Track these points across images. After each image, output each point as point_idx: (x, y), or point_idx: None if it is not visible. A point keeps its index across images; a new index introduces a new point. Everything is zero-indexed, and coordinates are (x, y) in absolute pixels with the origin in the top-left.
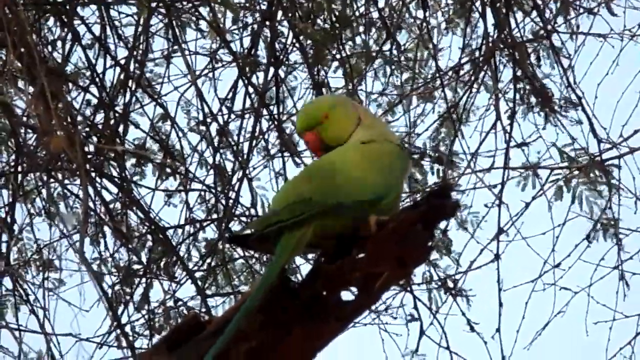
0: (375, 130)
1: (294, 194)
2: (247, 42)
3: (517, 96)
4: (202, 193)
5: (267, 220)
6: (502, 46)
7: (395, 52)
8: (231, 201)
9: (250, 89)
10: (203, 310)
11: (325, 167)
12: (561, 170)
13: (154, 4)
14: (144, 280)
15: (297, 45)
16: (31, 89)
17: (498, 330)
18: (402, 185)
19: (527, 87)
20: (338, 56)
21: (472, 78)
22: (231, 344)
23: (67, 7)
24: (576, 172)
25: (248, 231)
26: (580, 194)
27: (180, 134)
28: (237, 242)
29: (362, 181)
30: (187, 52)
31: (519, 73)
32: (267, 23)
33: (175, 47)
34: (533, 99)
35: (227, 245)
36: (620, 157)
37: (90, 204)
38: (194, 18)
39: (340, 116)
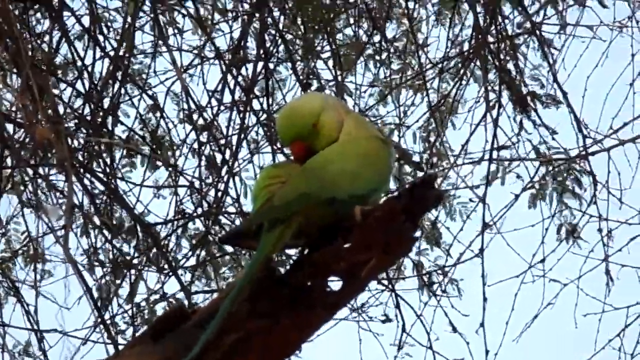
0: (361, 125)
1: (293, 190)
2: (236, 34)
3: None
4: (191, 186)
5: (263, 216)
6: (490, 40)
7: (384, 44)
8: (220, 194)
9: (240, 81)
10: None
11: (320, 162)
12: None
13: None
14: (131, 274)
15: (283, 39)
16: (17, 82)
17: (482, 324)
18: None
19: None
20: (327, 48)
21: (461, 71)
22: (218, 335)
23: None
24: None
25: (237, 230)
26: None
27: (170, 125)
28: (228, 242)
29: (357, 176)
30: (173, 48)
31: (495, 78)
32: (257, 15)
33: (161, 42)
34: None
35: (218, 244)
36: (608, 151)
37: (76, 200)
38: (178, 14)
39: (328, 122)
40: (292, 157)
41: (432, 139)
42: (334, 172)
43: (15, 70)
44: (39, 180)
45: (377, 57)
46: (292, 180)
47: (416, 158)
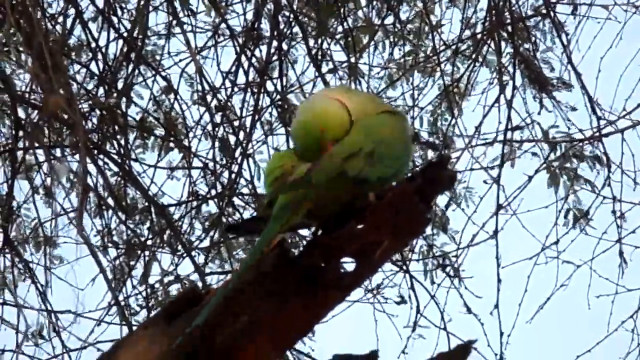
0: (373, 103)
1: (332, 169)
2: (250, 15)
3: (518, 73)
4: (205, 167)
5: (303, 187)
6: (504, 22)
7: (397, 25)
8: (233, 175)
9: (253, 63)
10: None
11: (364, 141)
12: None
13: None
14: (145, 255)
15: (297, 20)
16: (31, 61)
17: (496, 306)
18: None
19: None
20: (340, 29)
21: (474, 53)
22: (228, 315)
23: None
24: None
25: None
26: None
27: (184, 107)
28: (233, 230)
29: (387, 155)
30: (187, 29)
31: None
32: None
33: (175, 23)
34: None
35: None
36: (621, 132)
37: (90, 181)
38: None
39: (336, 119)
40: None
41: (445, 120)
42: (381, 155)
43: (29, 51)
44: (53, 162)
45: (390, 39)
46: (326, 160)
47: (429, 139)
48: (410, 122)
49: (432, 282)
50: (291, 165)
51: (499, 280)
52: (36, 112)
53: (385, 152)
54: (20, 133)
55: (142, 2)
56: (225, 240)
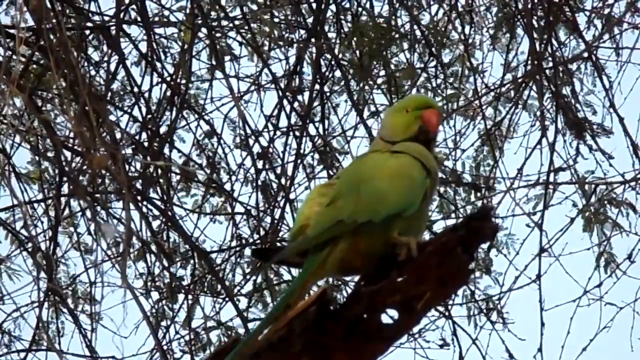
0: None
1: (324, 218)
2: (292, 60)
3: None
4: (247, 212)
5: (296, 248)
6: (544, 66)
7: (439, 70)
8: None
9: (295, 107)
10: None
11: (354, 183)
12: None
13: (196, 26)
14: (187, 299)
15: (339, 64)
16: (74, 109)
17: (540, 349)
18: (428, 199)
19: (563, 117)
20: (382, 73)
21: (515, 96)
22: None
23: (114, 27)
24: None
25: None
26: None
27: (227, 150)
28: (262, 256)
29: (389, 195)
30: (230, 73)
31: (550, 102)
32: (313, 40)
33: (218, 69)
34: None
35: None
36: None
37: (133, 226)
38: (234, 41)
39: None
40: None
41: (488, 164)
42: (367, 194)
43: (72, 98)
44: (97, 208)
45: (432, 83)
46: (326, 208)
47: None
48: (453, 165)
49: (476, 327)
50: (316, 210)
51: (542, 324)
52: (80, 158)
53: (370, 190)
54: (64, 179)
55: (185, 47)
56: (268, 285)
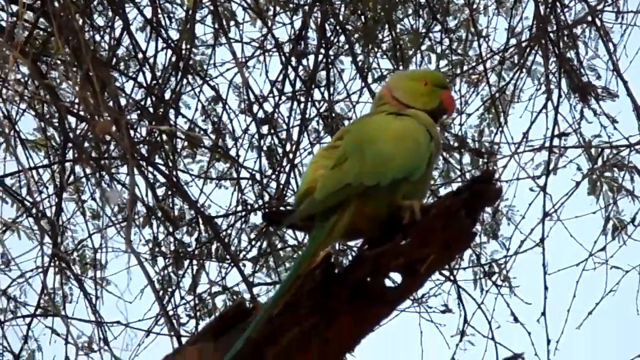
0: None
1: (331, 182)
2: (296, 25)
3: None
4: (252, 178)
5: (305, 212)
6: (549, 30)
7: (443, 35)
8: (281, 185)
9: (300, 73)
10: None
11: (358, 145)
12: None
13: None
14: (192, 265)
15: (344, 30)
16: (78, 75)
17: (543, 313)
18: (432, 164)
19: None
20: (387, 38)
21: (520, 61)
22: (278, 329)
23: None
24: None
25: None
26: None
27: (232, 116)
28: (273, 220)
29: (395, 158)
30: (233, 41)
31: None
32: (318, 4)
33: (221, 33)
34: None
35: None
36: None
37: (138, 192)
38: (238, 7)
39: None
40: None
41: (492, 129)
42: (372, 157)
43: (76, 64)
44: (102, 173)
45: (437, 49)
46: (332, 171)
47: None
48: (460, 129)
49: (482, 291)
50: (321, 173)
51: (546, 288)
52: (84, 124)
53: (375, 152)
54: (69, 145)
55: (189, 12)
56: (272, 250)
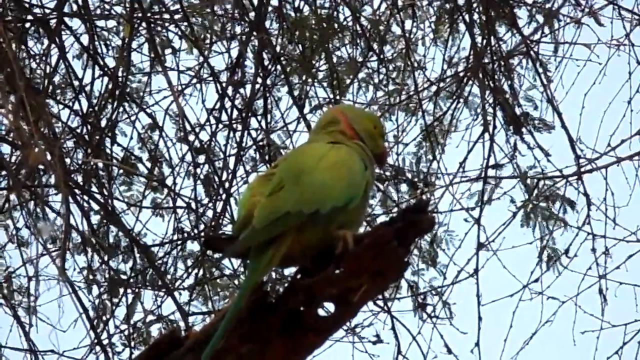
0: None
1: (270, 210)
2: (234, 53)
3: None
4: (188, 207)
5: (247, 241)
6: (485, 61)
7: (380, 64)
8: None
9: (236, 104)
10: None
11: (295, 173)
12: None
13: (135, 21)
14: (127, 294)
15: (279, 60)
16: (11, 102)
17: (477, 344)
18: (367, 193)
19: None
20: (324, 68)
21: (456, 91)
22: (212, 356)
23: (54, 20)
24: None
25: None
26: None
27: (169, 144)
28: (212, 246)
29: (334, 186)
30: (169, 69)
31: (491, 100)
32: (254, 33)
33: (156, 61)
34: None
35: (203, 248)
36: (600, 170)
37: (72, 221)
38: (174, 35)
39: None
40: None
41: (428, 159)
42: (311, 185)
43: (10, 92)
44: (36, 202)
45: (373, 78)
46: (269, 199)
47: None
48: (395, 160)
49: (420, 319)
50: (258, 199)
51: (480, 319)
52: (18, 152)
53: (313, 181)
54: (3, 173)
55: (126, 40)
56: (209, 279)
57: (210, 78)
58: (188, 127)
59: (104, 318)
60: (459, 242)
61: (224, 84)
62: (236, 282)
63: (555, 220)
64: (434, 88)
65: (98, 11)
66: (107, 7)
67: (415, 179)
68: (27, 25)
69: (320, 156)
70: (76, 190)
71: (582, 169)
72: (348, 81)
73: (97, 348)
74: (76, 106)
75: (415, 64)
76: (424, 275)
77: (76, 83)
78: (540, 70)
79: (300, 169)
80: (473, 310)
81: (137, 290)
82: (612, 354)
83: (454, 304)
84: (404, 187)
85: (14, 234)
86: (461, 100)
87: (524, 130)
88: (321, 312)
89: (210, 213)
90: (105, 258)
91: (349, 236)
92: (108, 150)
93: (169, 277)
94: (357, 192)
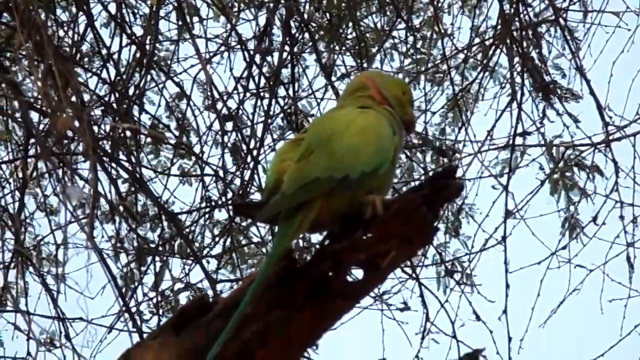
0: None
1: (300, 175)
2: (262, 20)
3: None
4: (216, 175)
5: (277, 206)
6: (513, 28)
7: (407, 33)
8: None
9: (264, 71)
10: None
11: (324, 138)
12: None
13: None
14: (155, 262)
15: (308, 28)
16: (41, 70)
17: (505, 311)
18: (395, 159)
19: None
20: (351, 36)
21: (484, 60)
22: (239, 324)
23: None
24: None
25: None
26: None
27: (197, 112)
28: (241, 211)
29: (363, 151)
30: (197, 37)
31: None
32: (282, 1)
33: (185, 29)
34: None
35: (232, 214)
36: (628, 137)
37: (101, 189)
38: (202, 3)
39: None
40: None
41: (453, 128)
42: (341, 149)
43: (39, 59)
44: (64, 169)
45: (401, 47)
46: (299, 164)
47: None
48: (423, 128)
49: (445, 289)
50: (288, 164)
51: (507, 286)
52: (47, 119)
53: (343, 145)
54: (31, 141)
55: (153, 8)
56: (236, 246)
57: (238, 46)
58: (216, 95)
59: (132, 286)
60: (487, 210)
61: (251, 52)
62: (264, 250)
63: (581, 191)
64: (461, 57)
65: None
66: None
67: (443, 147)
68: None
69: (349, 121)
70: (104, 158)
71: (611, 137)
72: (375, 50)
73: (126, 315)
74: (104, 74)
75: (443, 33)
76: (449, 247)
77: (104, 51)
78: (569, 37)
79: (329, 134)
80: (501, 278)
81: (165, 258)
82: None
83: (475, 276)
84: (430, 156)
85: (42, 202)
86: (488, 68)
87: (552, 97)
88: (349, 278)
89: (237, 181)
90: (134, 226)
91: (378, 201)
92: (136, 119)
93: (196, 245)
94: (386, 157)
